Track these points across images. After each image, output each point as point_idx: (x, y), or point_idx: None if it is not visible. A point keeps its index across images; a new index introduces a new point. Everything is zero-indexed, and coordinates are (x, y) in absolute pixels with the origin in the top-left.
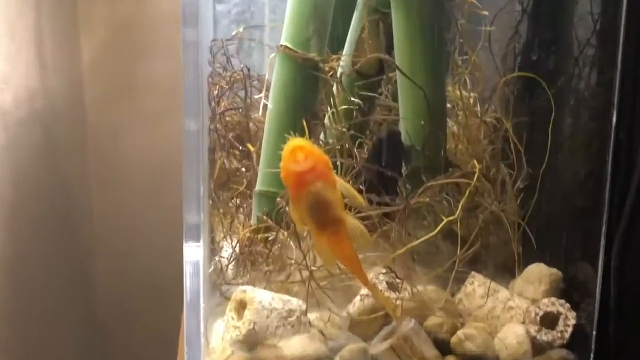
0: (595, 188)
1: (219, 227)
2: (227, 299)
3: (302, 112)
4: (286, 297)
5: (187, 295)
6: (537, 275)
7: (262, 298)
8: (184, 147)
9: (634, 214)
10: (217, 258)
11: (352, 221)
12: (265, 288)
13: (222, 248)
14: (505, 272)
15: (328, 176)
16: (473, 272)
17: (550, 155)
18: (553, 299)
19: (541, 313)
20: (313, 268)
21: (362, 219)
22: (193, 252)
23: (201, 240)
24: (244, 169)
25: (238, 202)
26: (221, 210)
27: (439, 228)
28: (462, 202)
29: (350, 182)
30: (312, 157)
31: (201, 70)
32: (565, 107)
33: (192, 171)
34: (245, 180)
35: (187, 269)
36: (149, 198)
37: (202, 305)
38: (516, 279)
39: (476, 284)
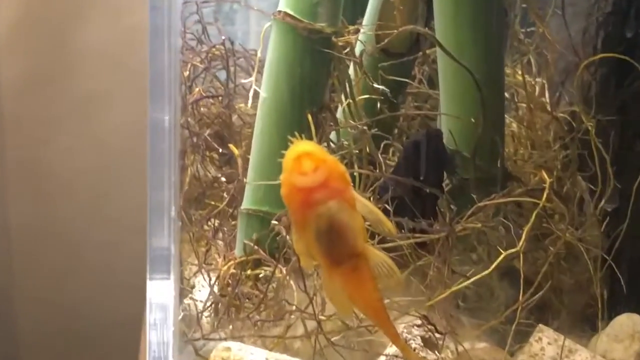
0: None
1: (190, 257)
2: (203, 358)
3: (307, 103)
4: (285, 357)
5: (150, 353)
6: (629, 329)
7: (252, 359)
8: (149, 149)
9: None
10: (187, 301)
11: (376, 254)
12: (256, 344)
13: (194, 287)
14: (584, 324)
15: (345, 194)
16: (541, 325)
17: None
18: None
19: None
20: (322, 317)
21: (390, 251)
22: (160, 291)
23: (171, 274)
24: (224, 179)
25: (216, 224)
26: (193, 235)
27: (495, 264)
28: (526, 229)
29: (373, 200)
30: (325, 168)
31: (172, 43)
32: None
33: (160, 180)
34: (226, 194)
35: (152, 316)
36: (85, 212)
37: None
38: (599, 334)
39: (545, 342)
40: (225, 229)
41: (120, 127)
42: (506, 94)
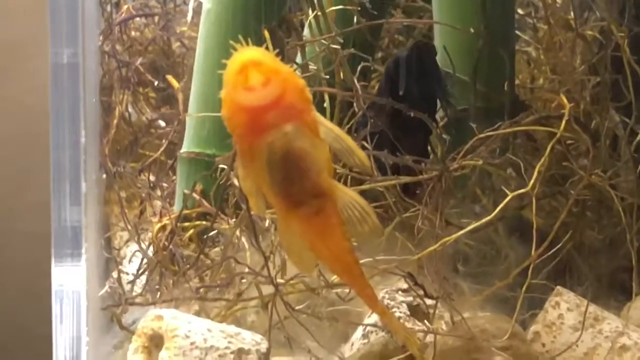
0: None
1: (120, 222)
2: (132, 333)
3: (261, 15)
4: (234, 328)
5: (56, 344)
6: None
7: (190, 329)
8: (50, 91)
9: None
10: (114, 274)
11: (345, 193)
12: (198, 314)
13: (124, 258)
14: (613, 288)
15: (304, 115)
16: (559, 288)
17: None
18: None
19: None
20: (280, 281)
21: (368, 198)
22: (68, 276)
23: (82, 255)
24: (162, 123)
25: (152, 178)
26: (123, 194)
27: (499, 208)
28: (538, 165)
29: (349, 132)
30: (278, 81)
31: None
32: None
33: (62, 135)
34: (165, 140)
35: (58, 307)
36: None
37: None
38: (633, 300)
39: (564, 307)
40: (163, 184)
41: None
42: (521, 10)
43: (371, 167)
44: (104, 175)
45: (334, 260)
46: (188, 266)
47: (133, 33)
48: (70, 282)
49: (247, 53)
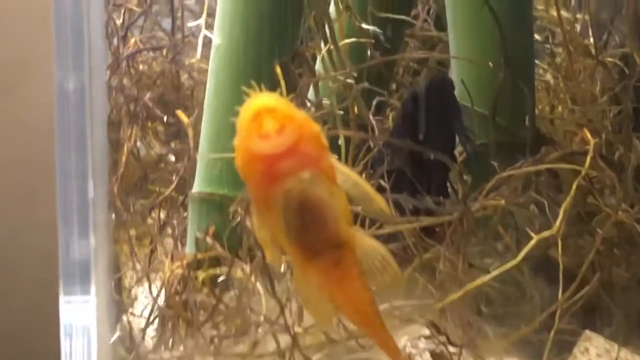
0: None
1: (129, 261)
2: None
3: (273, 51)
4: None
5: None
6: None
7: None
8: (56, 125)
9: None
10: (125, 318)
11: (365, 242)
12: None
13: (136, 299)
14: (636, 329)
15: (321, 162)
16: (587, 332)
17: None
18: None
19: None
20: (298, 330)
21: (388, 240)
22: (76, 313)
23: (92, 290)
24: (173, 158)
25: (163, 216)
26: (132, 233)
27: (524, 251)
28: (564, 205)
29: (365, 176)
30: (293, 128)
31: None
32: None
33: (68, 167)
34: (175, 176)
35: (66, 344)
36: None
37: None
38: None
39: (594, 353)
40: (174, 222)
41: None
42: (538, 36)
43: (391, 213)
44: (113, 215)
45: (354, 311)
46: (204, 316)
47: (141, 67)
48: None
49: (260, 99)
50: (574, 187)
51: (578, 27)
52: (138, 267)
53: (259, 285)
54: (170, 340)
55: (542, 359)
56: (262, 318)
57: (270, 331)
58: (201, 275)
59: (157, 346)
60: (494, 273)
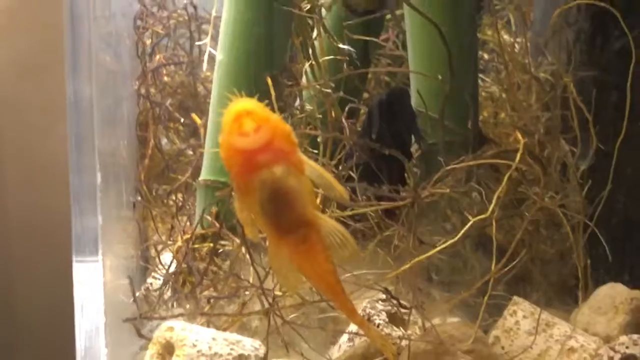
0: None
1: (155, 236)
2: (149, 340)
3: (265, 65)
4: (235, 336)
5: (80, 339)
6: (612, 300)
7: (197, 339)
8: (68, 127)
9: None
10: (149, 281)
11: (328, 223)
12: (207, 324)
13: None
14: (564, 296)
15: (291, 156)
16: (515, 298)
17: (631, 124)
18: (635, 336)
19: (618, 357)
20: (278, 293)
21: (357, 219)
22: (86, 273)
23: (99, 253)
24: (190, 152)
25: (181, 198)
26: (154, 212)
27: (463, 231)
28: (497, 193)
29: (340, 166)
30: (267, 128)
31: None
32: None
33: (81, 162)
34: (191, 167)
35: (79, 300)
36: None
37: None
38: (580, 306)
39: (520, 315)
40: (189, 204)
41: None
42: (486, 55)
43: (349, 198)
44: (139, 197)
45: (318, 280)
46: (206, 281)
47: (165, 78)
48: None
49: (241, 104)
50: (505, 178)
51: (517, 48)
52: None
53: (248, 256)
54: (174, 300)
55: (478, 319)
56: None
57: (255, 294)
58: (202, 247)
59: (162, 304)
60: (438, 248)
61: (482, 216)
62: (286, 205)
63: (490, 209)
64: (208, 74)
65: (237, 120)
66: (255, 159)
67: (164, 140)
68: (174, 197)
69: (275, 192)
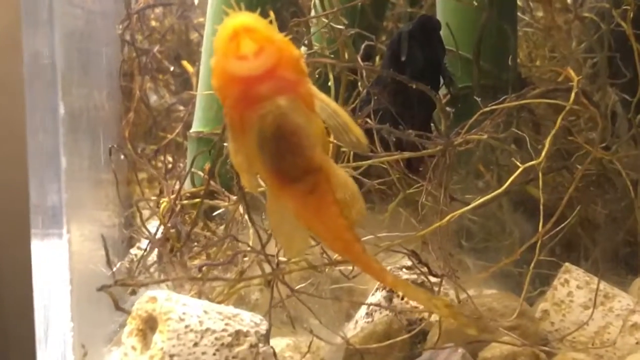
0: None
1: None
2: (128, 314)
3: None
4: (232, 309)
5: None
6: None
7: (185, 312)
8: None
9: None
10: (133, 252)
11: (341, 175)
12: (198, 297)
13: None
14: (623, 264)
15: (299, 87)
16: (567, 264)
17: None
18: None
19: None
20: (282, 258)
21: (373, 172)
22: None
23: (64, 227)
24: (182, 107)
25: (170, 159)
26: (141, 177)
27: (508, 183)
28: (549, 137)
29: (353, 111)
30: (272, 50)
31: None
32: None
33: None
34: (181, 123)
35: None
36: None
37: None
38: None
39: (574, 285)
40: (179, 165)
41: None
42: None
43: (368, 145)
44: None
45: (333, 238)
46: (198, 247)
47: (153, 23)
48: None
49: (239, 19)
50: (559, 119)
51: None
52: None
53: (246, 217)
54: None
55: (521, 290)
56: (248, 248)
57: (255, 260)
58: (193, 207)
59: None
60: (476, 202)
61: (531, 163)
62: (291, 146)
63: (542, 156)
64: (202, 19)
65: (233, 39)
66: (255, 89)
67: (153, 97)
68: (162, 158)
69: (279, 130)
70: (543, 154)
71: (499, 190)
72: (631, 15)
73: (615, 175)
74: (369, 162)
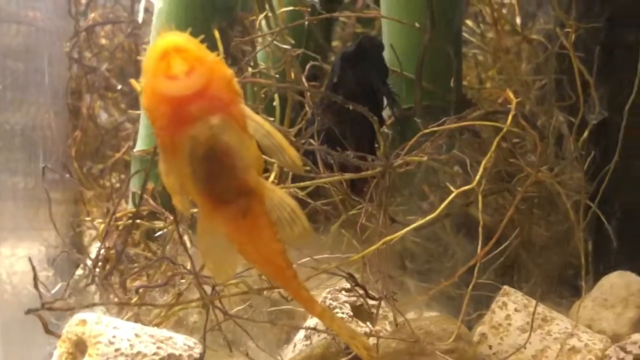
0: None
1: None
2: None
3: (212, 15)
4: (165, 332)
5: None
6: (621, 291)
7: (115, 335)
8: None
9: None
10: (79, 272)
11: (275, 192)
12: (134, 318)
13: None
14: (563, 287)
15: (232, 108)
16: (506, 287)
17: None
18: None
19: (630, 359)
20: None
21: (320, 192)
22: None
23: None
24: (130, 125)
25: (117, 178)
26: (89, 194)
27: (442, 206)
28: (484, 161)
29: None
30: (203, 70)
31: None
32: None
33: None
34: (130, 142)
35: None
36: None
37: None
38: (583, 298)
39: (512, 308)
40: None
41: None
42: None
43: (302, 166)
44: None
45: (264, 263)
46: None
47: (103, 41)
48: None
49: (169, 38)
50: (495, 142)
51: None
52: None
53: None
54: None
55: (461, 312)
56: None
57: (194, 282)
58: (131, 229)
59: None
60: (413, 225)
61: (467, 187)
62: (223, 167)
63: (476, 180)
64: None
65: (163, 58)
66: (187, 109)
67: (104, 116)
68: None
69: (210, 151)
70: (477, 178)
71: (434, 214)
72: (573, 37)
73: (557, 197)
74: (308, 183)
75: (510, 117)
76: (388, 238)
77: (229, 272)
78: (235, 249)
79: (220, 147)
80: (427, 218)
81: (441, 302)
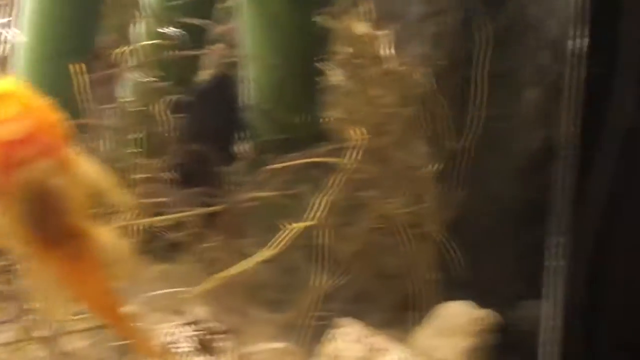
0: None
1: None
2: None
3: (72, 49)
4: None
5: None
6: (459, 321)
7: None
8: None
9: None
10: None
11: (105, 235)
12: None
13: None
14: (400, 315)
15: (59, 152)
16: (342, 319)
17: (486, 122)
18: None
19: None
20: (69, 317)
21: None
22: None
23: None
24: None
25: None
26: None
27: (282, 241)
28: (322, 196)
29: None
30: (29, 115)
31: None
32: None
33: None
34: None
35: None
36: None
37: None
38: (422, 327)
39: (348, 337)
40: None
41: None
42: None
43: (134, 206)
44: None
45: (94, 304)
46: None
47: None
48: None
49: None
50: (333, 179)
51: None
52: None
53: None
54: None
55: (313, 343)
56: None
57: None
58: None
59: None
60: (253, 259)
61: (300, 224)
62: (52, 211)
63: (312, 215)
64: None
65: None
66: (13, 154)
67: None
68: None
69: (38, 195)
70: (316, 213)
71: (272, 250)
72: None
73: (403, 230)
74: (161, 218)
75: (348, 153)
76: (227, 272)
77: (61, 313)
78: (65, 289)
79: (47, 191)
80: (265, 254)
81: (289, 333)
